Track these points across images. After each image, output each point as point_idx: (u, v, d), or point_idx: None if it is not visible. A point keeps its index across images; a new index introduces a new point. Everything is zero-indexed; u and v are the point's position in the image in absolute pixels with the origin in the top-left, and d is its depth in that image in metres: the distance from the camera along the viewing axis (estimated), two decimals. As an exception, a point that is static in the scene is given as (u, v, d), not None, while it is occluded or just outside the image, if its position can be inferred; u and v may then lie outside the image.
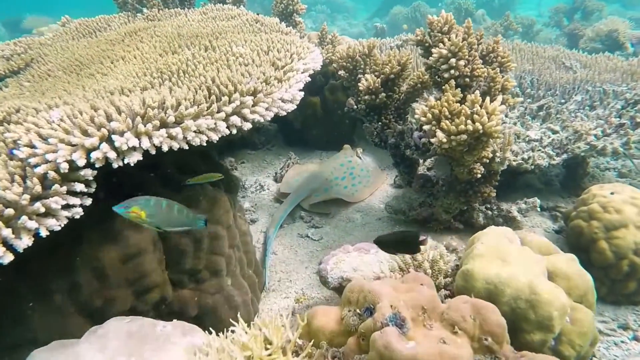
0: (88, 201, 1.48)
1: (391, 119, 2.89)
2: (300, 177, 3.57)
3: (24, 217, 1.30)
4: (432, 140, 2.15)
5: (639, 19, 9.40)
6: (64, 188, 1.39)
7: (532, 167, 2.87)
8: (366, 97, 2.77)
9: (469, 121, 2.03)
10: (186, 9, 3.57)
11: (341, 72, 2.98)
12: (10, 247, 1.28)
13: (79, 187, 1.43)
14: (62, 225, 1.41)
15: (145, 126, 1.48)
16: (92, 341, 1.45)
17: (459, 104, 2.13)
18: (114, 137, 1.43)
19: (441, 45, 2.28)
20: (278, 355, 1.29)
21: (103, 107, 1.52)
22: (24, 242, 1.29)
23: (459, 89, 2.26)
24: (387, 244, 1.69)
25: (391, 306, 1.24)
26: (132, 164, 1.48)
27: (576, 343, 1.60)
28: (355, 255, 2.18)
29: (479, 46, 2.42)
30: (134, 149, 1.48)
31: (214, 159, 2.40)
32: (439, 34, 2.32)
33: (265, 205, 3.52)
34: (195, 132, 1.58)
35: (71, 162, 1.39)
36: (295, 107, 1.96)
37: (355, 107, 2.95)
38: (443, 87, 2.27)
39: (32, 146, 1.41)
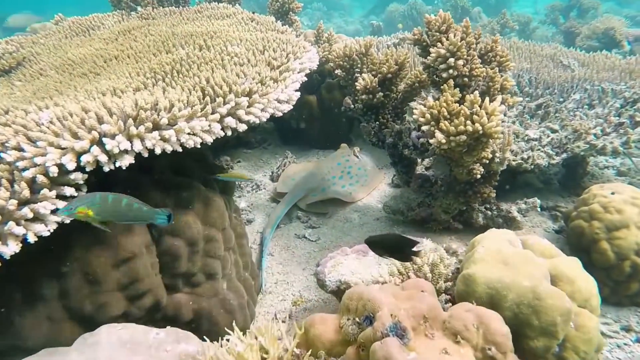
0: (78, 205, 1.43)
1: (389, 118, 2.86)
2: (297, 177, 3.53)
3: (11, 223, 1.25)
4: (431, 141, 2.12)
5: (635, 17, 9.40)
6: (53, 192, 1.35)
7: (532, 166, 2.84)
8: (363, 96, 2.73)
9: (468, 122, 1.99)
10: (181, 7, 3.52)
11: (338, 71, 2.94)
12: (-4, 254, 1.23)
13: (69, 191, 1.38)
14: (51, 231, 1.37)
15: (137, 128, 1.44)
16: (82, 349, 1.41)
17: (457, 104, 2.09)
18: (105, 140, 1.39)
19: (439, 44, 2.24)
20: (275, 364, 1.25)
21: (94, 109, 1.47)
22: (11, 248, 1.25)
23: (458, 88, 2.22)
24: (378, 245, 1.63)
25: (391, 315, 1.20)
26: (124, 168, 1.44)
27: (581, 349, 1.56)
28: (353, 258, 2.14)
29: (477, 45, 2.38)
30: (125, 152, 1.43)
31: (209, 160, 2.35)
32: (437, 33, 2.28)
33: (261, 205, 3.48)
34: (189, 134, 1.54)
35: (61, 166, 1.35)
36: (292, 107, 1.91)
37: (352, 106, 2.91)
38: (441, 87, 2.24)
39: (21, 149, 1.37)
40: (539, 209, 2.87)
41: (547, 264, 1.74)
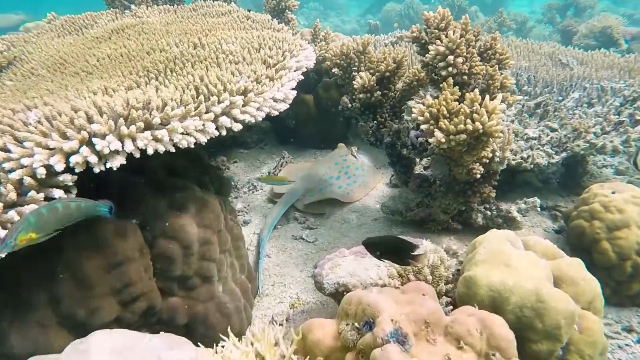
0: (68, 208, 1.39)
1: (387, 117, 2.82)
2: (294, 177, 3.49)
3: (-3, 227, 1.21)
4: (430, 140, 2.08)
5: (631, 15, 9.40)
6: (41, 194, 1.30)
7: (532, 166, 2.81)
8: (361, 95, 2.69)
9: (468, 120, 1.95)
10: (175, 5, 3.47)
11: (335, 70, 2.90)
12: (-18, 259, 1.19)
13: (58, 193, 1.34)
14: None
15: (128, 128, 1.40)
16: (72, 357, 1.36)
17: (457, 103, 2.05)
18: (94, 140, 1.34)
19: (438, 42, 2.20)
20: (271, 372, 1.21)
21: (84, 108, 1.42)
22: (-2, 253, 1.20)
23: (457, 87, 2.18)
24: (376, 248, 1.58)
25: (392, 320, 1.16)
26: (114, 168, 1.39)
27: (585, 353, 1.53)
28: (351, 260, 2.10)
29: (476, 43, 2.35)
30: (116, 152, 1.39)
31: (204, 161, 2.31)
32: (436, 31, 2.24)
33: (258, 206, 3.44)
34: (182, 133, 1.49)
35: (49, 167, 1.30)
36: (288, 106, 1.87)
37: (349, 105, 2.87)
38: (440, 85, 2.20)
39: (7, 150, 1.32)
40: (539, 209, 2.84)
41: (550, 266, 1.71)
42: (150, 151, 1.44)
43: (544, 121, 3.14)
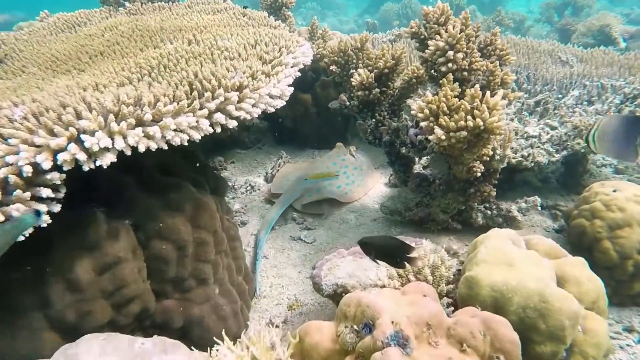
0: (56, 207, 1.34)
1: (385, 115, 2.78)
2: (292, 177, 3.45)
3: (-19, 227, 1.16)
4: (430, 137, 2.03)
5: (628, 15, 9.40)
6: (28, 194, 1.25)
7: (532, 164, 2.77)
8: (359, 92, 2.64)
9: (469, 117, 1.91)
10: (170, 2, 3.42)
11: (333, 67, 2.86)
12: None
13: (45, 192, 1.29)
14: (27, 235, 1.27)
15: (119, 125, 1.35)
16: (62, 362, 1.31)
17: (457, 99, 2.01)
18: (83, 136, 1.30)
19: (437, 37, 2.16)
20: (268, 376, 1.17)
21: (72, 104, 1.37)
22: (-19, 255, 1.15)
23: (457, 83, 2.15)
24: (372, 247, 1.54)
25: (392, 322, 1.12)
26: (105, 166, 1.34)
27: (590, 355, 1.49)
28: (350, 260, 2.05)
29: (476, 39, 2.31)
30: (106, 149, 1.34)
31: (200, 160, 2.27)
32: (435, 26, 2.20)
33: (255, 206, 3.40)
34: (175, 130, 1.45)
35: (36, 165, 1.25)
36: (285, 103, 1.83)
37: (347, 103, 2.83)
38: (440, 81, 2.16)
39: (-8, 147, 1.27)
40: (539, 208, 2.81)
41: (553, 265, 1.67)
42: (141, 148, 1.39)
43: (544, 119, 3.11)
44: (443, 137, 1.97)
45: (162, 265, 1.77)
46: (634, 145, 1.90)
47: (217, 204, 2.10)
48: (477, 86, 1.96)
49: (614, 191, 2.43)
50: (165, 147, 1.45)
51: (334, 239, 2.97)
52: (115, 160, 1.38)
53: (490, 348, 1.15)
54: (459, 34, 2.10)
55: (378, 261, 1.51)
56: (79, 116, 1.34)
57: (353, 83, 2.64)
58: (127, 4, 3.23)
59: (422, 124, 2.06)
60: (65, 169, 1.31)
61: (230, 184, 3.59)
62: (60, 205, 1.36)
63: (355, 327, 1.20)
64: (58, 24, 3.01)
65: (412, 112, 2.12)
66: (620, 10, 9.64)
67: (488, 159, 2.27)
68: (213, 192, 2.19)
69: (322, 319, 1.83)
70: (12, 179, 1.22)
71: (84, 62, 2.23)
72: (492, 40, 2.34)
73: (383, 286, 1.80)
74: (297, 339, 1.27)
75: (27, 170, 1.23)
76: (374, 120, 2.80)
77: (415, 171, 2.86)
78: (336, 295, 1.92)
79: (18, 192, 1.22)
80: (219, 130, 1.56)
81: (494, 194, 2.56)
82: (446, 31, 2.12)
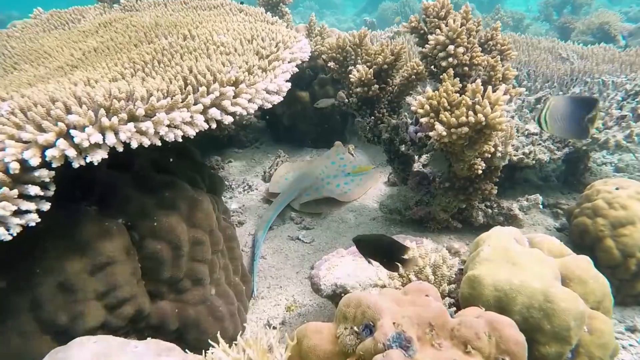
0: (45, 206, 1.30)
1: (385, 112, 2.74)
2: (290, 176, 3.41)
3: (-34, 227, 1.11)
4: (431, 133, 1.99)
5: (627, 13, 9.38)
6: (15, 191, 1.20)
7: (533, 161, 2.73)
8: (358, 89, 2.60)
9: (470, 112, 1.87)
10: (166, -1, 3.37)
11: (331, 64, 2.81)
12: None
13: (34, 190, 1.24)
14: (14, 235, 1.23)
15: (110, 120, 1.30)
16: (52, 366, 1.26)
17: (458, 95, 1.97)
18: (73, 132, 1.25)
19: (438, 31, 2.12)
20: (265, 380, 1.12)
21: (62, 99, 1.33)
22: (-34, 255, 1.11)
23: (458, 78, 2.10)
24: (366, 245, 1.51)
25: (394, 323, 1.07)
26: (95, 163, 1.30)
27: (596, 355, 1.45)
28: (349, 260, 2.01)
29: (477, 33, 2.26)
30: (97, 145, 1.29)
31: (196, 157, 2.22)
32: (435, 20, 2.15)
33: (253, 206, 3.35)
34: (168, 126, 1.40)
35: (23, 162, 1.21)
36: (282, 99, 1.79)
37: (346, 100, 2.78)
38: (441, 76, 2.11)
39: (-23, 144, 1.22)
40: (541, 206, 2.77)
41: (558, 264, 1.62)
42: (134, 145, 1.35)
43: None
44: (444, 134, 1.93)
45: (156, 266, 1.73)
46: (584, 123, 1.96)
47: (214, 202, 2.05)
48: (479, 81, 1.91)
49: (617, 189, 2.40)
50: (159, 143, 1.41)
51: (332, 238, 2.93)
52: (107, 156, 1.33)
53: (495, 350, 1.11)
54: (460, 27, 2.06)
55: (372, 261, 1.48)
56: (68, 111, 1.29)
57: (352, 79, 2.60)
58: (121, 0, 3.17)
59: (423, 120, 2.01)
60: (54, 165, 1.26)
61: (227, 183, 3.55)
62: (50, 204, 1.32)
63: (355, 328, 1.16)
64: (51, 20, 2.96)
65: (412, 108, 2.08)
66: (619, 9, 9.63)
67: (489, 156, 2.23)
68: (209, 190, 2.15)
69: (321, 320, 1.78)
70: (-2, 176, 1.17)
71: (77, 59, 2.18)
72: (493, 35, 2.30)
73: (383, 286, 1.76)
74: (295, 341, 1.22)
75: (14, 167, 1.18)
76: (373, 117, 2.76)
77: (415, 169, 2.82)
78: (335, 295, 1.88)
79: (4, 189, 1.17)
80: (214, 126, 1.52)
81: (495, 192, 2.52)
82: (447, 25, 2.08)
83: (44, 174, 1.26)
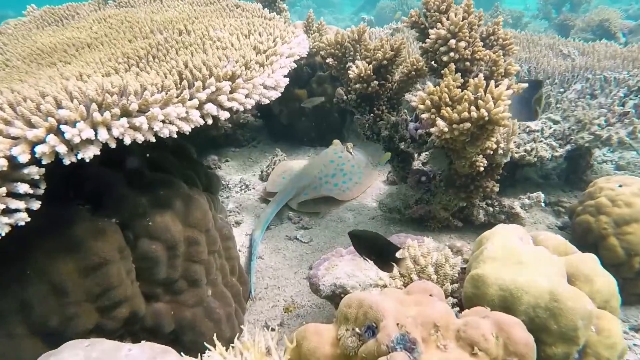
0: (35, 205, 1.25)
1: (384, 109, 2.69)
2: (288, 175, 3.37)
3: (-49, 226, 1.07)
4: (432, 130, 1.95)
5: (626, 10, 9.37)
6: (3, 189, 1.16)
7: (535, 159, 2.69)
8: (357, 85, 2.56)
9: (472, 108, 1.83)
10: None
11: (329, 60, 2.77)
12: None
13: (23, 188, 1.20)
14: (3, 234, 1.18)
15: (102, 115, 1.26)
16: (42, 371, 1.22)
17: (460, 90, 1.93)
18: (63, 127, 1.20)
19: (439, 25, 2.07)
20: (263, 384, 1.08)
21: (53, 93, 1.28)
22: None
23: (459, 74, 2.06)
24: (361, 241, 1.50)
25: (398, 324, 1.03)
26: (87, 160, 1.25)
27: (604, 356, 1.41)
28: (349, 260, 1.97)
29: (478, 27, 2.22)
30: (89, 141, 1.25)
31: (191, 155, 2.17)
32: (436, 13, 2.11)
33: (250, 205, 3.31)
34: (163, 121, 1.35)
35: (11, 158, 1.16)
36: (280, 94, 1.74)
37: (345, 97, 2.74)
38: (442, 71, 2.07)
39: (-36, 140, 1.18)
40: (543, 204, 2.74)
41: (563, 262, 1.58)
42: (127, 140, 1.30)
43: (546, 113, 3.04)
44: (445, 130, 1.89)
45: (151, 266, 1.68)
46: (532, 106, 2.03)
47: (210, 201, 2.01)
48: (481, 75, 1.87)
49: (620, 186, 2.37)
50: (153, 139, 1.36)
51: (331, 238, 2.89)
52: (99, 153, 1.29)
53: (503, 351, 1.07)
54: (462, 21, 2.01)
55: (366, 259, 1.46)
56: (59, 105, 1.25)
57: (350, 76, 2.55)
58: (116, -4, 3.12)
59: (424, 115, 1.97)
60: (44, 162, 1.21)
61: (224, 182, 3.51)
62: (40, 202, 1.27)
63: (357, 330, 1.11)
64: (45, 17, 2.91)
65: (413, 103, 2.03)
66: (618, 7, 9.62)
67: (491, 152, 2.19)
68: (205, 189, 2.11)
69: (320, 321, 1.74)
70: (-15, 173, 1.13)
71: (70, 55, 2.13)
72: (494, 30, 2.25)
73: (384, 286, 1.71)
74: (294, 343, 1.18)
75: (2, 164, 1.14)
76: (372, 114, 2.71)
77: (415, 167, 2.78)
78: (335, 296, 1.84)
79: (-8, 187, 1.13)
80: (210, 121, 1.47)
81: (497, 189, 2.48)
82: (448, 19, 2.03)
83: (34, 171, 1.21)
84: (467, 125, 1.84)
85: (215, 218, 2.04)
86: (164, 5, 2.80)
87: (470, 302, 1.52)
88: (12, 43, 2.52)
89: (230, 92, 1.53)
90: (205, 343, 1.47)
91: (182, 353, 1.34)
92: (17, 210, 1.21)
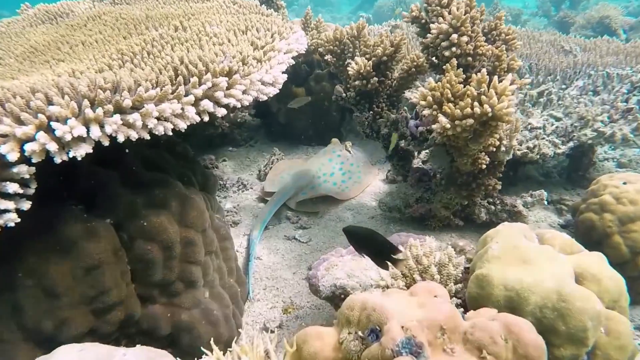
0: (26, 205, 1.21)
1: (383, 107, 2.65)
2: (286, 175, 3.33)
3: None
4: (434, 126, 1.91)
5: (627, 7, 9.34)
6: (-9, 189, 1.11)
7: (538, 156, 2.65)
8: (356, 82, 2.51)
9: (475, 103, 1.78)
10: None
11: (328, 57, 2.72)
12: None
13: (12, 187, 1.15)
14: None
15: (94, 111, 1.21)
16: (34, 377, 1.18)
17: (462, 86, 1.88)
18: (54, 124, 1.16)
19: (441, 19, 2.03)
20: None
21: (43, 90, 1.24)
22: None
23: (461, 69, 2.02)
24: (357, 238, 1.46)
25: (402, 327, 0.99)
26: (79, 158, 1.21)
27: (614, 358, 1.37)
28: (349, 259, 1.93)
29: (480, 22, 2.18)
30: (81, 139, 1.20)
31: (188, 154, 2.13)
32: (438, 7, 2.07)
33: (248, 205, 3.26)
34: (157, 118, 1.31)
35: (0, 157, 1.12)
36: (278, 90, 1.70)
37: (344, 95, 2.69)
38: (444, 67, 2.02)
39: (-50, 138, 1.13)
40: (545, 202, 2.70)
41: (571, 261, 1.54)
42: (121, 138, 1.26)
43: (548, 110, 3.00)
44: (448, 126, 1.85)
45: (147, 268, 1.64)
46: None
47: (207, 201, 1.97)
48: (484, 70, 1.83)
49: (624, 183, 2.33)
50: (148, 137, 1.32)
51: (330, 238, 2.84)
52: (92, 151, 1.24)
53: (512, 355, 1.03)
54: (464, 15, 1.97)
55: (363, 255, 1.42)
56: (49, 102, 1.20)
57: (350, 72, 2.51)
58: (111, -6, 3.07)
59: (425, 112, 1.93)
60: (34, 161, 1.17)
61: (221, 182, 3.46)
62: (31, 203, 1.23)
63: (360, 333, 1.07)
64: (39, 15, 2.86)
65: (414, 100, 1.99)
66: (617, 4, 9.60)
67: (494, 149, 2.15)
68: (202, 188, 2.06)
69: (320, 322, 1.70)
70: (-29, 172, 1.08)
71: (64, 52, 2.09)
72: (496, 25, 2.21)
73: (386, 286, 1.67)
74: (295, 347, 1.14)
75: (-11, 163, 1.09)
76: (371, 112, 2.67)
77: (415, 165, 2.74)
78: (335, 297, 1.80)
79: (-21, 187, 1.08)
80: (206, 118, 1.43)
81: (499, 187, 2.44)
82: (450, 13, 1.99)
83: (24, 170, 1.17)
84: (470, 121, 1.79)
85: (212, 218, 1.99)
86: (159, 1, 2.75)
87: (474, 303, 1.48)
88: (4, 41, 2.47)
89: (227, 88, 1.49)
90: (202, 347, 1.44)
91: (178, 357, 1.30)
92: (6, 211, 1.16)
